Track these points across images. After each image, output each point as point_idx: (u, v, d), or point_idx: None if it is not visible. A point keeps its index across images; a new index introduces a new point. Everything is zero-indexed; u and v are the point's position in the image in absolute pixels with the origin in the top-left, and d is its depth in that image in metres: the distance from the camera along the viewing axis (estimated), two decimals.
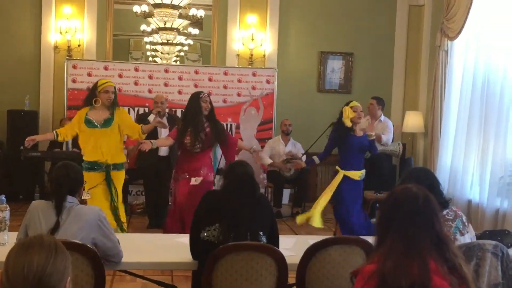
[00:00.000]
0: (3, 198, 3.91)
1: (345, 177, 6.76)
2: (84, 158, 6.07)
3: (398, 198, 2.44)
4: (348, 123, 6.70)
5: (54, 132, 6.17)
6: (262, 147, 9.26)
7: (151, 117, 7.61)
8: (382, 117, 8.71)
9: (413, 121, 9.65)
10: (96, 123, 6.00)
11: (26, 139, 5.96)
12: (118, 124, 6.08)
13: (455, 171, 8.33)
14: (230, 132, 9.28)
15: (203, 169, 6.38)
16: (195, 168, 6.35)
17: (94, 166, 5.94)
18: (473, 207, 7.92)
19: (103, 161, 5.97)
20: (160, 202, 7.84)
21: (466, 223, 3.64)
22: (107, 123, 6.02)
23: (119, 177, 6.15)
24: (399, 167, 9.48)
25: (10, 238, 3.83)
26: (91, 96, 6.09)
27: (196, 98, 6.35)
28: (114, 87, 6.21)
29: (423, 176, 3.66)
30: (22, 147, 8.47)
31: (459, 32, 8.21)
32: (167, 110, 8.14)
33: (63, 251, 2.04)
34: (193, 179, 6.27)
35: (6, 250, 3.64)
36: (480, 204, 7.75)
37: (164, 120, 7.66)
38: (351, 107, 6.74)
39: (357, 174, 6.78)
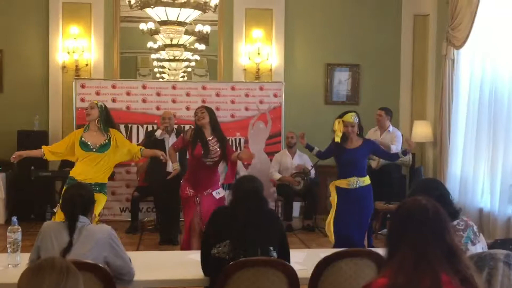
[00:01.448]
0: (15, 220, 3.94)
1: (337, 188, 6.52)
2: (70, 173, 5.93)
3: (408, 211, 2.44)
4: (337, 139, 6.40)
5: (42, 150, 5.92)
6: (271, 160, 9.28)
7: (158, 132, 7.65)
8: (391, 128, 8.68)
9: (422, 130, 9.63)
10: (91, 147, 5.82)
11: (13, 155, 5.85)
12: (114, 149, 5.90)
13: (465, 179, 8.30)
14: (239, 147, 9.32)
15: (219, 182, 6.37)
16: (215, 181, 6.26)
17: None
18: (484, 215, 7.87)
19: (84, 179, 5.66)
20: (171, 218, 7.84)
21: (477, 233, 3.63)
22: (103, 148, 5.85)
23: (99, 199, 5.70)
24: (409, 177, 9.45)
25: (23, 259, 3.86)
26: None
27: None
28: (100, 105, 5.98)
29: (433, 187, 3.66)
30: (32, 167, 8.58)
31: (465, 41, 8.20)
32: (175, 126, 8.16)
33: (74, 273, 2.05)
34: (214, 192, 6.17)
35: (19, 271, 3.67)
36: (491, 212, 7.70)
37: (172, 136, 7.70)
38: (343, 121, 6.45)
39: (343, 182, 6.43)
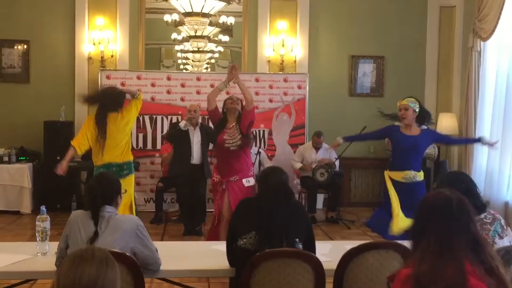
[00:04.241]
0: (44, 209, 3.99)
1: (392, 180, 6.30)
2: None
3: (432, 203, 2.46)
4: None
5: (73, 148, 6.12)
6: (295, 152, 9.28)
7: (182, 123, 7.71)
8: None
9: (447, 123, 9.56)
10: None
11: (58, 170, 6.00)
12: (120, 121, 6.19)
13: (491, 173, 8.23)
14: (263, 138, 9.36)
15: (251, 171, 6.44)
16: (244, 168, 6.32)
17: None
18: (510, 209, 7.81)
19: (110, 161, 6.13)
20: (195, 209, 7.88)
21: (505, 226, 3.61)
22: None
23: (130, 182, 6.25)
24: (434, 170, 9.40)
25: (51, 248, 3.91)
26: None
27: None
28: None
29: (459, 180, 3.64)
30: (58, 157, 8.65)
31: (492, 33, 8.12)
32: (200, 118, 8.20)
33: (113, 264, 2.08)
34: (244, 180, 6.24)
35: (48, 259, 3.74)
36: None
37: (197, 129, 7.75)
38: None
39: (399, 175, 6.24)
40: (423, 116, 6.33)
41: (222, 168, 6.37)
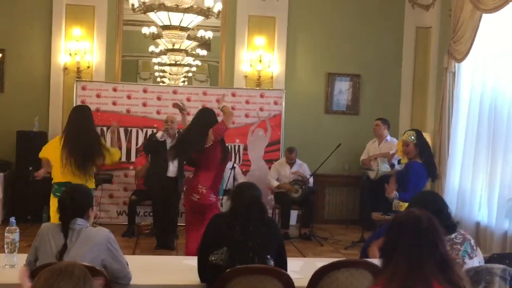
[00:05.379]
0: (13, 220, 3.93)
1: None
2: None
3: (402, 222, 2.49)
4: (402, 159, 6.54)
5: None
6: (270, 168, 9.29)
7: (159, 134, 7.70)
8: (389, 137, 8.78)
9: None
10: None
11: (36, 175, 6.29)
12: None
13: (463, 192, 8.30)
14: (238, 153, 9.39)
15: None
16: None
17: None
18: (481, 229, 7.86)
19: None
20: (168, 223, 7.84)
21: (475, 247, 3.64)
22: None
23: None
24: None
25: (20, 260, 3.86)
26: None
27: (213, 114, 6.64)
28: None
29: (431, 200, 3.67)
30: (30, 168, 8.57)
31: (467, 54, 8.22)
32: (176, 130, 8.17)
33: (91, 283, 2.08)
34: None
35: (16, 272, 3.67)
36: (489, 226, 7.69)
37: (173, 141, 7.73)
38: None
39: None
40: (423, 146, 6.29)
41: (216, 185, 6.45)
